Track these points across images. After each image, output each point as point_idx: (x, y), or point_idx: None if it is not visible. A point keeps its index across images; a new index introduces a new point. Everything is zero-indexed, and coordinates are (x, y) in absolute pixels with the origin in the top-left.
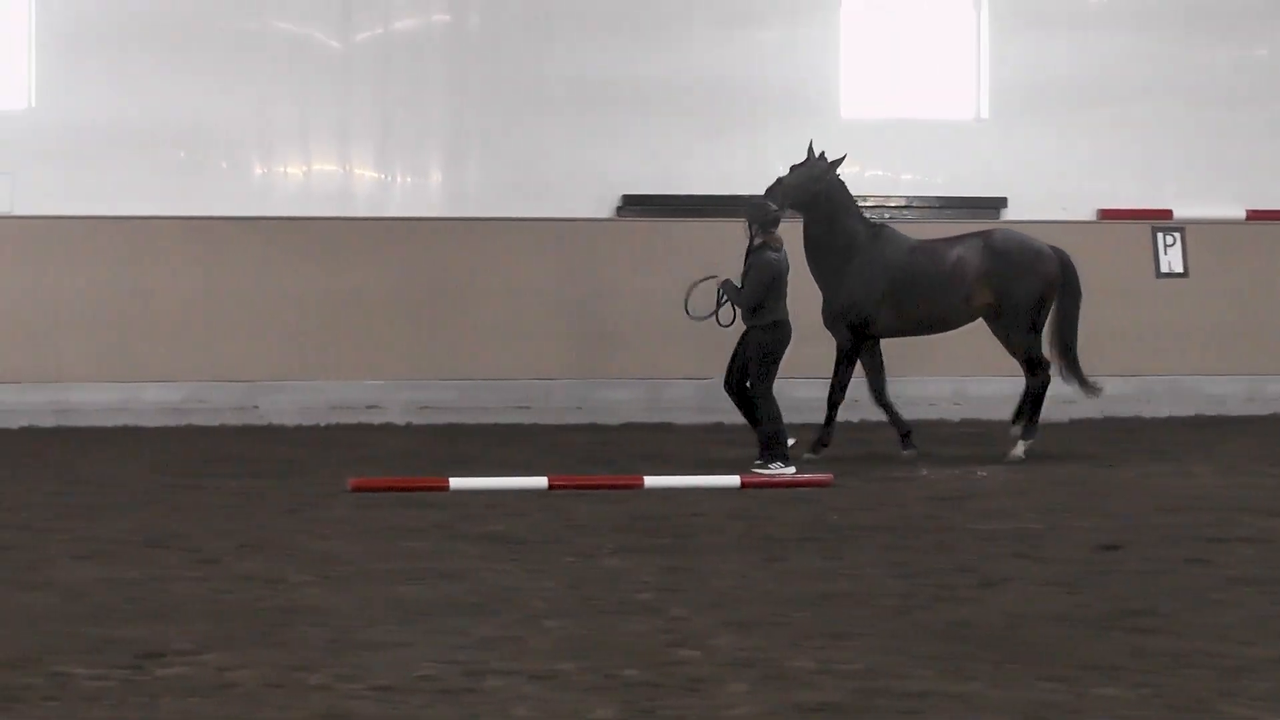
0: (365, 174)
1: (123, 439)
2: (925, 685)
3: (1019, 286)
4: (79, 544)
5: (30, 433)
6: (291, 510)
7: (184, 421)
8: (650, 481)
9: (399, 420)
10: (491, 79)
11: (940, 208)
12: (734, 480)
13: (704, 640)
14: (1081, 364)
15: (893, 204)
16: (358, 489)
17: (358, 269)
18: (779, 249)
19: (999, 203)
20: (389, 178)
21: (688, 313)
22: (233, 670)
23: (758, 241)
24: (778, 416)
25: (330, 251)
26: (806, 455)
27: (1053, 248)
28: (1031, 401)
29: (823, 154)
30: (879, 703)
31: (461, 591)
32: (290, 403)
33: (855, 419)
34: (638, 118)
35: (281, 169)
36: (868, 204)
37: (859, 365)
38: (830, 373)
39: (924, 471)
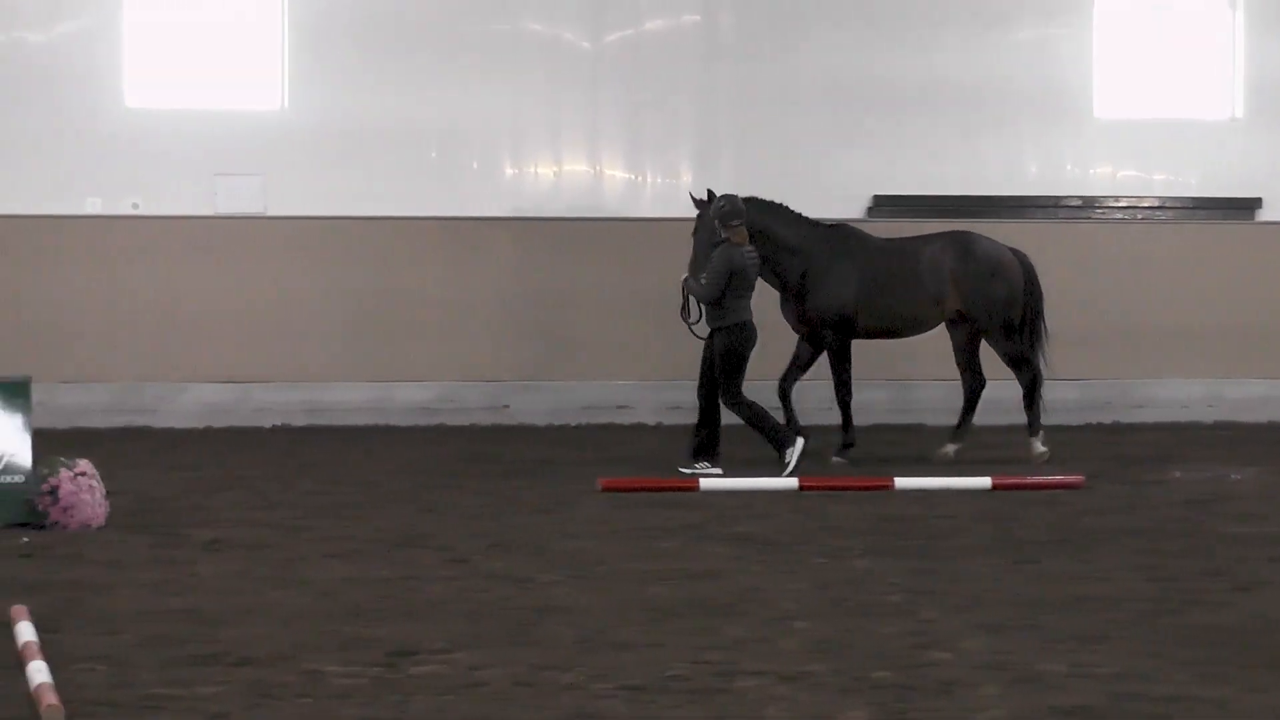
0: (615, 175)
1: (374, 438)
2: (1177, 690)
3: (986, 289)
4: (332, 543)
5: (283, 432)
6: (542, 510)
7: (435, 421)
8: (900, 483)
9: (649, 420)
10: (742, 79)
11: (1194, 208)
12: (985, 482)
13: (954, 642)
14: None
15: (1145, 204)
16: (608, 489)
17: (608, 270)
18: (742, 245)
19: (1253, 203)
20: (639, 178)
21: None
22: (484, 669)
23: (722, 237)
24: (761, 411)
25: (580, 252)
26: (834, 459)
27: (1013, 250)
28: (1028, 399)
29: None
30: (1130, 707)
31: (711, 592)
32: (541, 402)
33: (1108, 420)
34: (889, 118)
35: (532, 169)
36: (1120, 204)
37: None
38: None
39: (1176, 474)
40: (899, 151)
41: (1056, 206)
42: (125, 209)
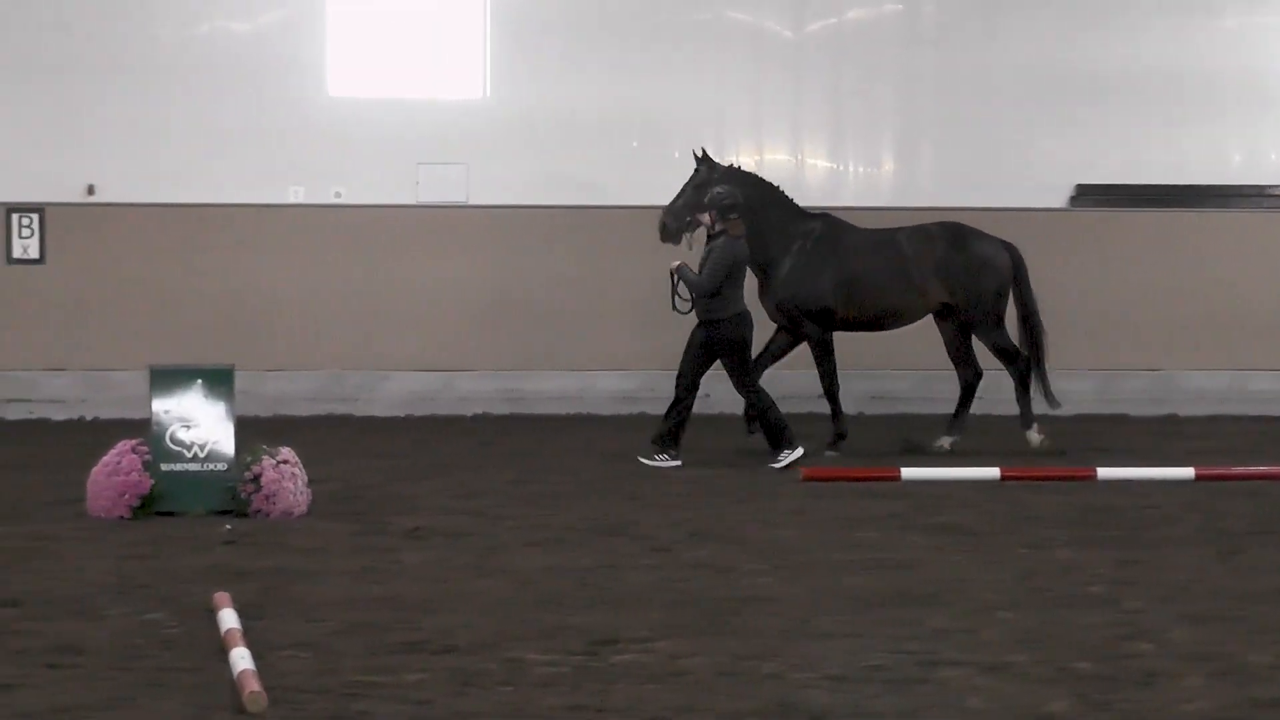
0: (817, 164)
1: (576, 427)
2: None
3: (974, 280)
4: (533, 531)
5: (484, 420)
6: (743, 499)
7: (636, 410)
8: (1103, 473)
9: (851, 410)
10: (944, 68)
11: None
12: (1188, 472)
13: (1158, 634)
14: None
15: None
16: (810, 478)
17: None
18: (740, 237)
19: None
20: (841, 167)
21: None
22: (685, 658)
23: (718, 229)
24: (773, 403)
25: None
26: (827, 452)
27: (1002, 241)
28: (1020, 390)
29: (701, 158)
30: None
31: (913, 582)
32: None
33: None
34: (1091, 106)
35: (734, 159)
36: None
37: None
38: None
39: None
40: (1101, 140)
41: (1261, 196)
42: (328, 198)
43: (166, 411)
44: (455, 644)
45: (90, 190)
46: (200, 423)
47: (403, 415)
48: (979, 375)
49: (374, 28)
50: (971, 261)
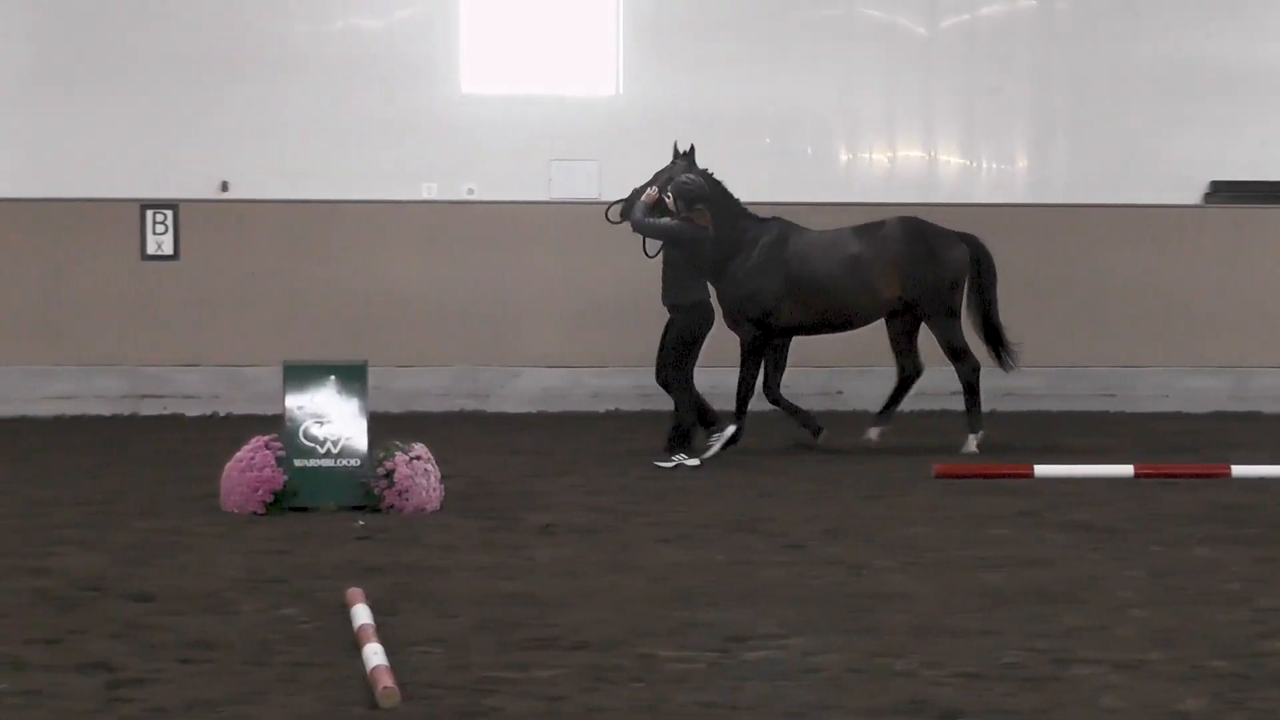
0: (950, 160)
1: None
2: None
3: (930, 274)
4: (664, 527)
5: (616, 417)
6: (875, 495)
7: (769, 406)
8: (1238, 470)
9: (983, 407)
10: (1077, 63)
11: None
12: None
13: None
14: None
15: None
16: (942, 475)
17: None
18: (705, 228)
19: None
20: (974, 164)
21: (609, 218)
22: (817, 655)
23: (682, 217)
24: (692, 408)
25: None
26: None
27: (961, 234)
28: (968, 393)
29: (682, 153)
30: None
31: (1046, 579)
32: (874, 388)
33: None
34: (1227, 102)
35: (866, 155)
36: None
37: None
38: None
39: None
40: (1236, 136)
41: None
42: (461, 194)
43: (300, 407)
44: (587, 640)
45: (224, 187)
46: (333, 418)
47: (534, 411)
48: (919, 371)
49: (507, 24)
50: (924, 253)
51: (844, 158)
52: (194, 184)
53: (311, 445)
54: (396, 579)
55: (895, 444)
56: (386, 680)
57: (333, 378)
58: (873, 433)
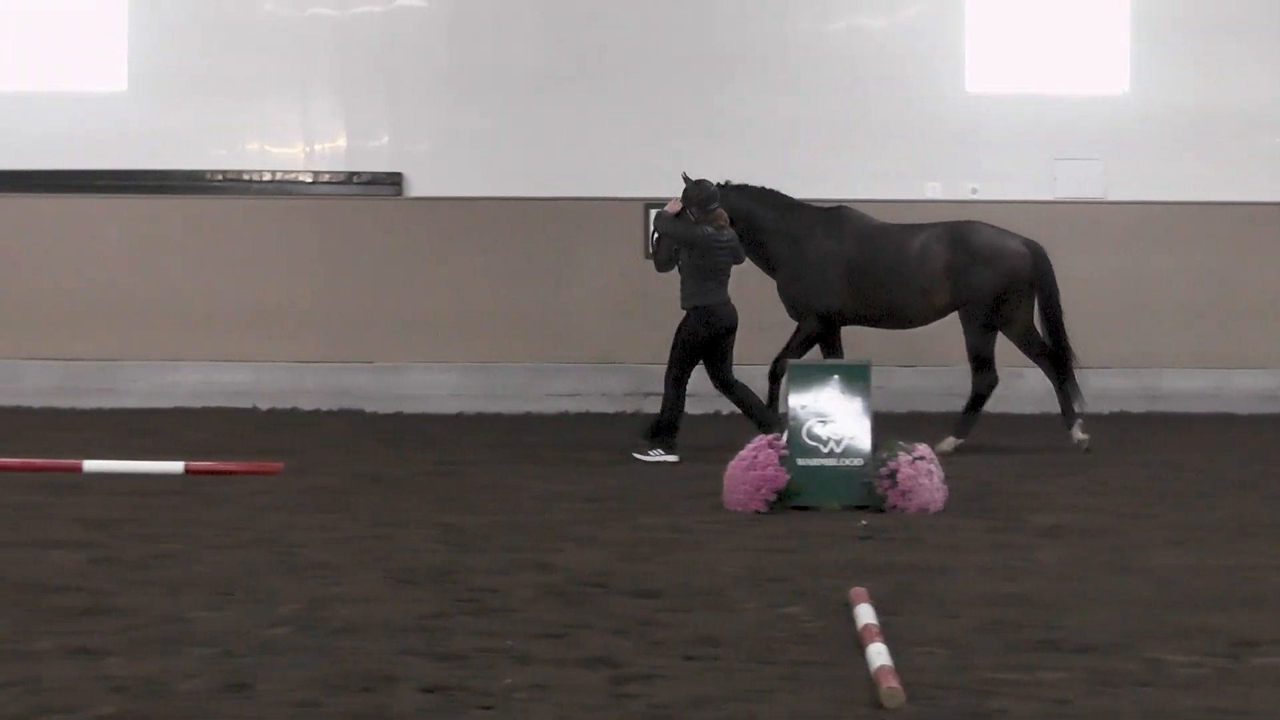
0: None
1: (1216, 426)
2: None
3: (977, 280)
4: (1172, 530)
5: (1122, 418)
6: None
7: (1275, 409)
8: None
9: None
10: None
11: None
12: None
13: None
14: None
15: None
16: None
17: None
18: (720, 228)
19: None
20: None
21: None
22: None
23: (694, 220)
24: (676, 408)
25: None
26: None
27: (1025, 241)
28: (973, 402)
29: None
30: None
31: None
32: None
33: None
34: None
35: None
36: None
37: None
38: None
39: None
40: None
41: None
42: (964, 194)
43: (803, 406)
44: (1092, 643)
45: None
46: (837, 418)
47: (1036, 413)
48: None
49: (1013, 22)
50: (971, 258)
51: None
52: None
53: (814, 444)
54: (899, 578)
55: None
56: (891, 680)
57: (836, 377)
58: (948, 443)
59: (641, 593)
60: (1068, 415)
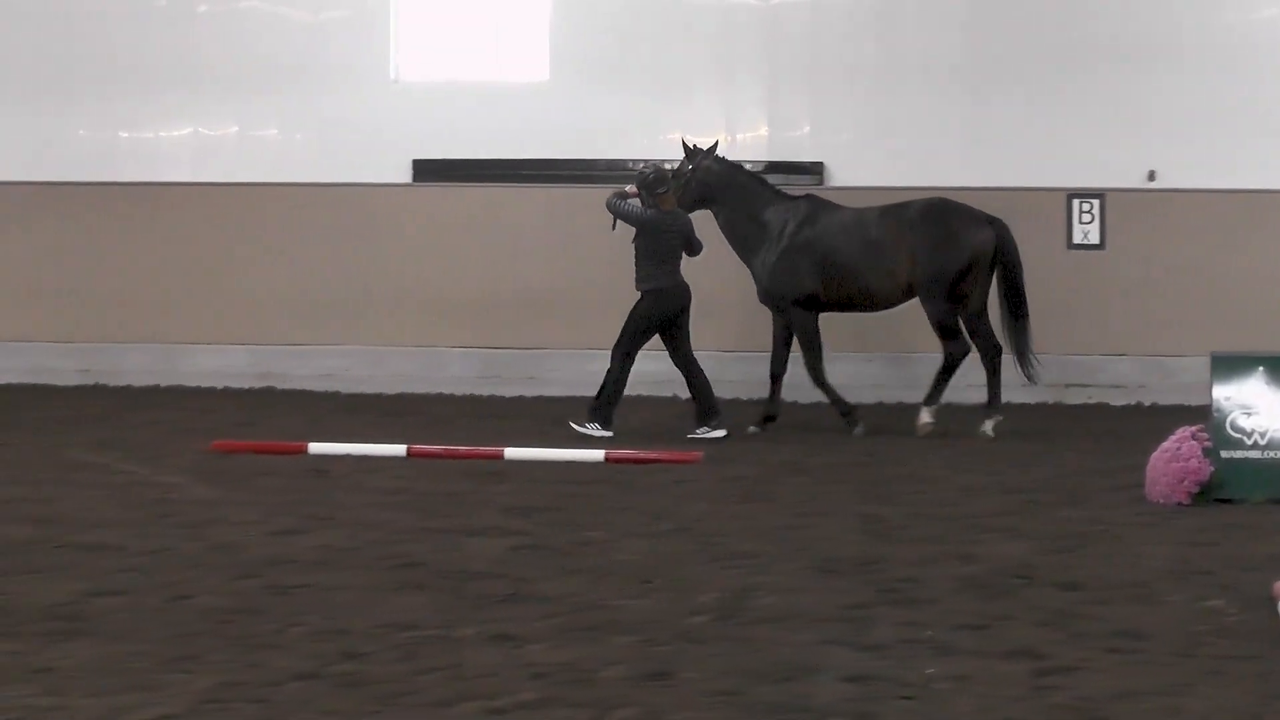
0: None
1: None
2: None
3: (939, 254)
4: None
5: None
6: None
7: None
8: None
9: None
10: None
11: None
12: None
13: None
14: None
15: None
16: None
17: None
18: (671, 212)
19: None
20: None
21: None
22: None
23: (650, 204)
24: (618, 383)
25: None
26: (751, 428)
27: (989, 218)
28: (944, 371)
29: (700, 148)
30: None
31: None
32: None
33: None
34: None
35: None
36: None
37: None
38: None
39: None
40: None
41: None
42: None
43: (1227, 398)
44: None
45: (1151, 176)
46: (1261, 410)
47: None
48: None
49: None
50: (937, 234)
51: None
52: (1120, 174)
53: (1239, 436)
54: None
55: None
56: None
57: (1261, 369)
58: (924, 416)
59: (1064, 585)
60: (991, 405)
